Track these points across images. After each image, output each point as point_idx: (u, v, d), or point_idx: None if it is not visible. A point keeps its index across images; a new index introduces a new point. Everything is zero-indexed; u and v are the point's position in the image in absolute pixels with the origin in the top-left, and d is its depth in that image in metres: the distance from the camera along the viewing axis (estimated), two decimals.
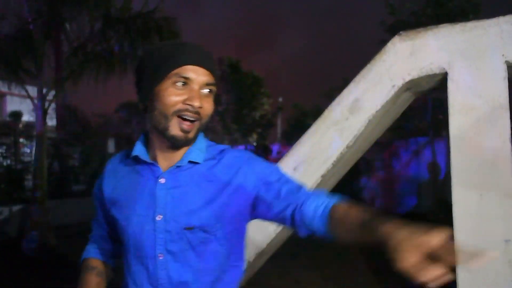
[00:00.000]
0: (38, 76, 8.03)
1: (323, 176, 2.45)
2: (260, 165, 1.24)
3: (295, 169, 2.47)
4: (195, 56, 1.16)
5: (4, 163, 12.43)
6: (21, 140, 13.51)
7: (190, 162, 1.21)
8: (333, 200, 1.13)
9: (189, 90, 1.14)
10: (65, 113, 13.59)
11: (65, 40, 8.69)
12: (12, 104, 15.81)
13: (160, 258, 1.18)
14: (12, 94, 10.26)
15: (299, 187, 1.21)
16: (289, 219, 1.18)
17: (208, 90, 1.18)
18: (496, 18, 2.23)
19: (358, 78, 2.50)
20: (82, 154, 14.03)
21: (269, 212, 1.21)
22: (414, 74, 2.39)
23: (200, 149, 1.24)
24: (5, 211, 9.12)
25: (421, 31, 2.40)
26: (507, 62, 2.20)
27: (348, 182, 10.33)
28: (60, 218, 9.75)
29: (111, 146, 15.48)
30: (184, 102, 1.14)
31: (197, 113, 1.15)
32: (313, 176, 2.45)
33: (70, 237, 9.13)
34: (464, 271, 2.11)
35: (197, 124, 1.17)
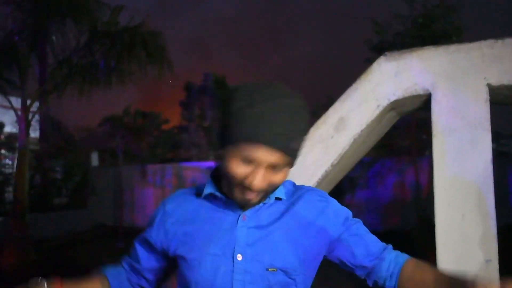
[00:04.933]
0: (22, 88, 7.95)
1: None
2: (339, 206, 1.24)
3: None
4: (273, 135, 0.97)
5: None
6: (2, 151, 13.29)
7: (276, 198, 1.15)
8: (403, 257, 1.19)
9: (254, 166, 1.01)
10: (48, 126, 13.42)
11: (50, 53, 8.65)
12: None
13: None
14: None
15: (375, 237, 1.24)
16: (364, 270, 1.21)
17: (277, 168, 1.04)
18: (478, 42, 2.29)
19: (343, 97, 2.53)
20: (65, 167, 13.85)
21: (351, 259, 1.20)
22: (398, 94, 2.42)
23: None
24: None
25: (405, 52, 2.45)
26: (488, 85, 2.25)
27: None
28: (41, 232, 9.55)
29: (94, 160, 15.30)
30: (246, 178, 1.02)
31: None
32: None
33: (51, 251, 8.95)
34: None
35: (261, 193, 1.08)
